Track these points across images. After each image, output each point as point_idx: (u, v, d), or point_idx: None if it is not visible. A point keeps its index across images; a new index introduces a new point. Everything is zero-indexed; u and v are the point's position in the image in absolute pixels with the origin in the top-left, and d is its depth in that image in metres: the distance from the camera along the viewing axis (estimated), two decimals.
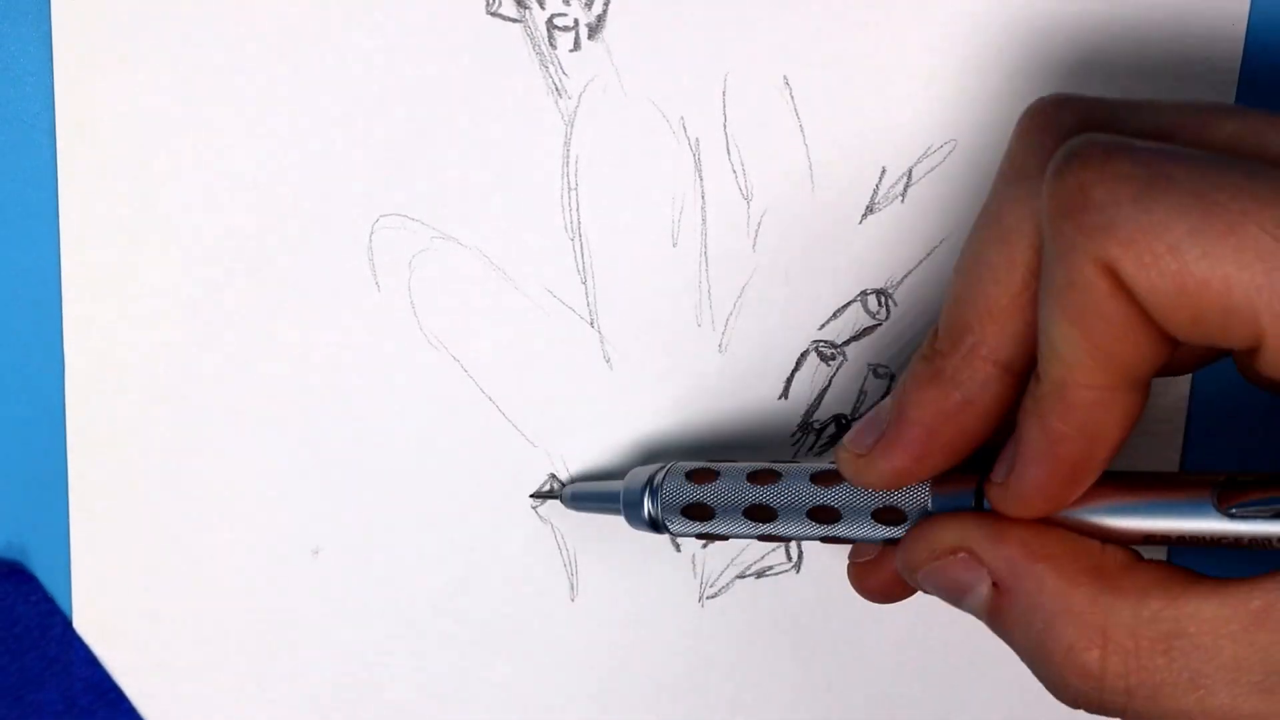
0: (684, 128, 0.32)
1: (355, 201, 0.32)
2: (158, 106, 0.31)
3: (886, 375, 0.34)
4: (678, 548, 0.35)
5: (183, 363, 0.32)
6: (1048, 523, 0.25)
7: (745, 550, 0.35)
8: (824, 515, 0.28)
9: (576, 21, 0.31)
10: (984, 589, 0.25)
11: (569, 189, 0.32)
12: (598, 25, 0.31)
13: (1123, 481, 0.25)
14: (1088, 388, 0.23)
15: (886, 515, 0.28)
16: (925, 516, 0.27)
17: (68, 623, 0.33)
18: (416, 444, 0.33)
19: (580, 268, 0.33)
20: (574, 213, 0.32)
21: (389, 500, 0.33)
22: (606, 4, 0.31)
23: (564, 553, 0.34)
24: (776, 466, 0.29)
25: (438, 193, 0.32)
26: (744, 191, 0.32)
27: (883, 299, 0.33)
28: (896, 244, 0.33)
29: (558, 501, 0.34)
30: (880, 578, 0.29)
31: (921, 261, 0.33)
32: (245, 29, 0.30)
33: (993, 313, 0.24)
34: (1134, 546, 0.25)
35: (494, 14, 0.31)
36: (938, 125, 0.32)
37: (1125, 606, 0.24)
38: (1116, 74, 0.32)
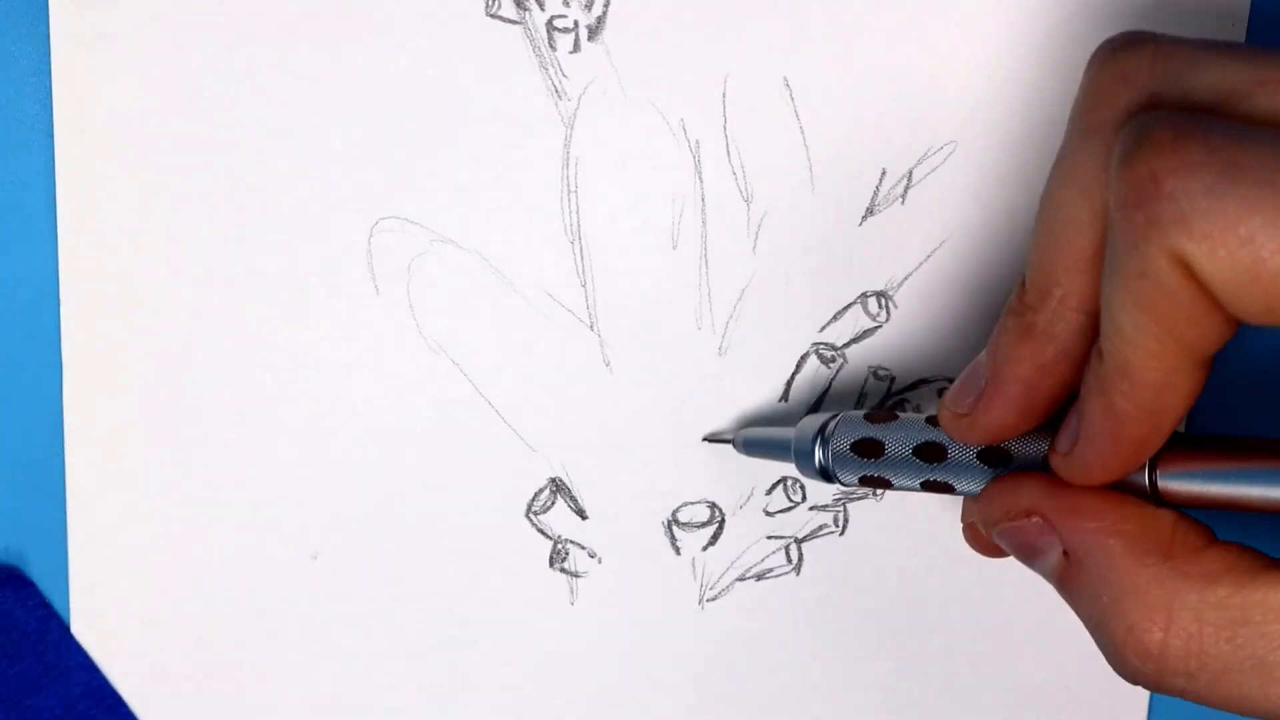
0: (684, 129, 0.32)
1: (354, 204, 0.32)
2: (156, 107, 0.31)
3: (887, 378, 0.34)
4: (678, 551, 0.34)
5: (181, 366, 0.32)
6: (1121, 492, 0.25)
7: (745, 553, 0.35)
8: (994, 459, 0.28)
9: (576, 23, 0.31)
10: (1055, 555, 0.25)
11: (568, 191, 0.32)
12: (597, 27, 0.31)
13: (1191, 446, 0.25)
14: (1153, 369, 0.23)
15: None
16: (1000, 475, 0.27)
17: (65, 628, 0.33)
18: (416, 448, 0.33)
19: (580, 270, 0.32)
20: (573, 215, 0.32)
21: (388, 504, 0.33)
22: (606, 5, 0.31)
23: (563, 556, 0.34)
24: None
25: (437, 195, 0.32)
26: (744, 193, 0.32)
27: (883, 301, 0.33)
28: (897, 246, 0.33)
29: (555, 512, 0.33)
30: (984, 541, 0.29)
31: (922, 264, 0.33)
32: (244, 30, 0.30)
33: (1079, 264, 0.24)
34: (1209, 524, 0.25)
35: (493, 16, 0.31)
36: (938, 127, 0.32)
37: (1192, 590, 0.23)
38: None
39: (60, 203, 0.31)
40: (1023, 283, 0.26)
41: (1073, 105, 0.25)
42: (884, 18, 0.32)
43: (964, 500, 0.31)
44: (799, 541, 0.35)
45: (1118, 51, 0.24)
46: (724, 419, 0.34)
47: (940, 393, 0.34)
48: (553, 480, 0.34)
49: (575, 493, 0.34)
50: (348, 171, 0.31)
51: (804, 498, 0.35)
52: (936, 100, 0.32)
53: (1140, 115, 0.22)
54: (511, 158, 0.32)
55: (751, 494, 0.34)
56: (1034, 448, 0.27)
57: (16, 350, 0.32)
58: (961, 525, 0.30)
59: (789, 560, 0.35)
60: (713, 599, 0.35)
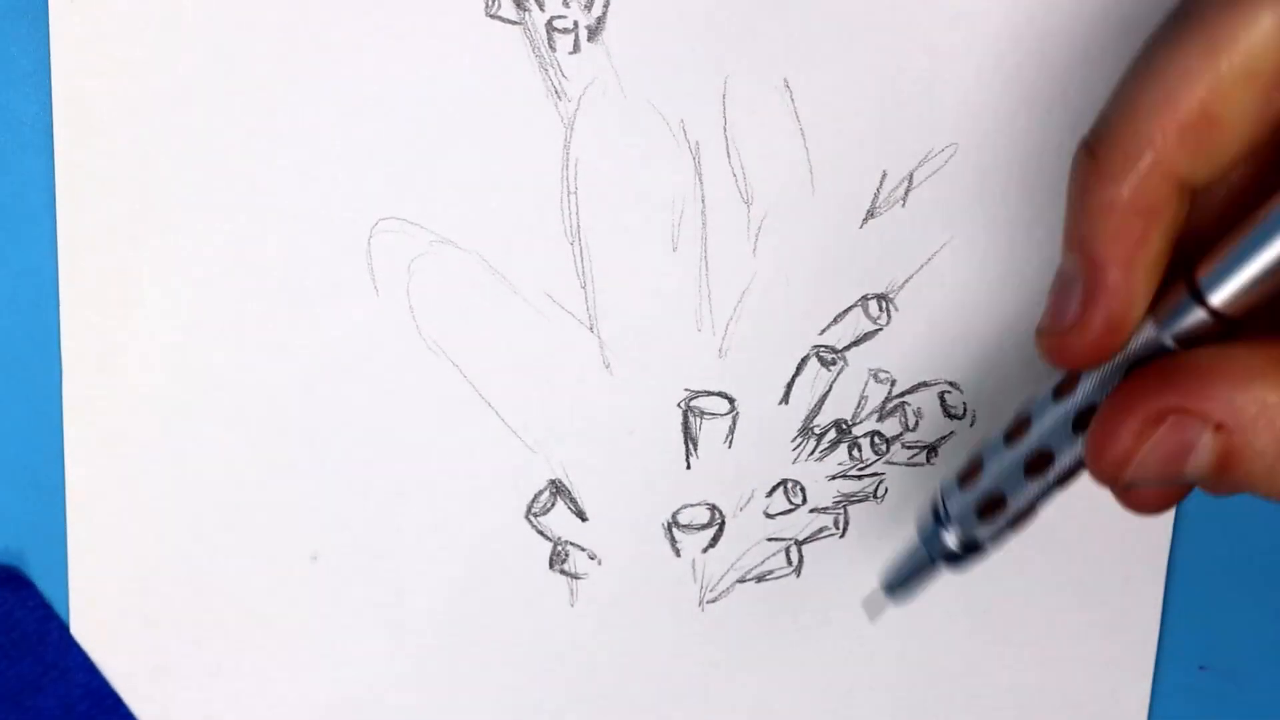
0: (684, 131, 0.32)
1: (354, 205, 0.31)
2: (156, 108, 0.31)
3: (887, 380, 0.34)
4: (678, 553, 0.34)
5: (180, 367, 0.32)
6: (1234, 345, 0.24)
7: (745, 555, 0.35)
8: (1082, 422, 0.26)
9: (576, 24, 0.31)
10: (1208, 440, 0.23)
11: (568, 192, 0.32)
12: (597, 27, 0.31)
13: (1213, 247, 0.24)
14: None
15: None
16: (1091, 406, 0.25)
17: (65, 628, 0.33)
18: (415, 449, 0.33)
19: (580, 272, 0.32)
20: (573, 216, 0.32)
21: (388, 505, 0.33)
22: (606, 6, 0.31)
23: (564, 557, 0.34)
24: (1021, 415, 0.28)
25: (437, 196, 0.32)
26: (744, 195, 0.32)
27: (883, 304, 0.33)
28: (897, 248, 0.33)
29: (555, 514, 0.33)
30: (1149, 490, 0.27)
31: (922, 266, 0.33)
32: (244, 31, 0.30)
33: (1180, 125, 0.23)
34: None
35: (493, 16, 0.31)
36: (939, 129, 0.32)
37: None
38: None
39: (60, 203, 0.31)
40: (1090, 149, 0.24)
41: None
42: (884, 18, 0.32)
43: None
44: (799, 543, 0.35)
45: None
46: (723, 419, 0.34)
47: (941, 396, 0.34)
48: (553, 482, 0.34)
49: (575, 494, 0.34)
50: (347, 172, 0.31)
51: (804, 500, 0.35)
52: (937, 102, 0.32)
53: None
54: (511, 159, 0.32)
55: (752, 496, 0.34)
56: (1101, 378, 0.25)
57: (16, 350, 0.32)
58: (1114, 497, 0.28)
59: (789, 562, 0.35)
60: (713, 601, 0.35)
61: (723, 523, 0.34)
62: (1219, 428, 0.23)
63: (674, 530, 0.34)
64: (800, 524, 0.35)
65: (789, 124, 0.32)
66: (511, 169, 0.32)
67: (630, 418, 0.33)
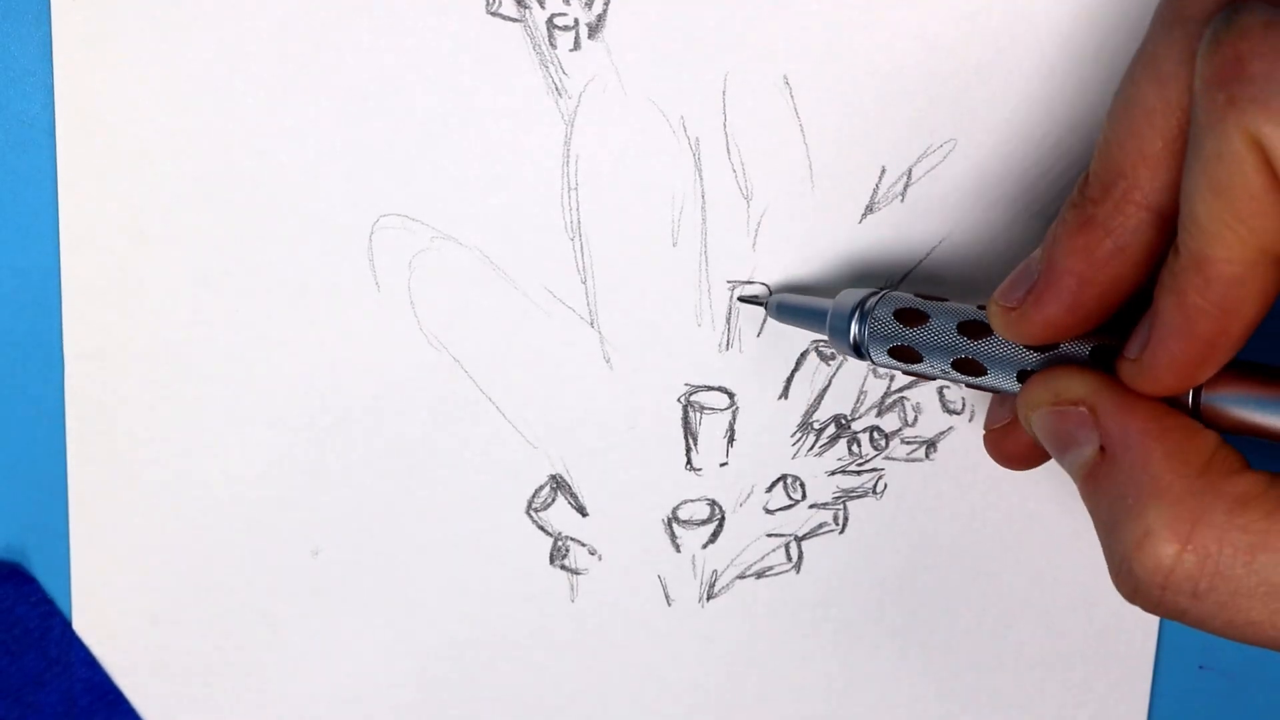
0: (684, 127, 0.32)
1: (355, 201, 0.32)
2: (157, 106, 0.31)
3: (886, 375, 0.34)
4: (678, 549, 0.35)
5: (182, 363, 0.32)
6: (1175, 409, 0.25)
7: (745, 550, 0.35)
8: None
9: (576, 21, 0.31)
10: (1090, 450, 0.25)
11: (569, 188, 0.32)
12: (598, 25, 0.31)
13: (1239, 371, 0.25)
14: (1227, 262, 0.22)
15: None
16: (1054, 362, 0.27)
17: (67, 624, 0.33)
18: (416, 444, 0.33)
19: (580, 267, 0.32)
20: (574, 212, 0.32)
21: (389, 501, 0.33)
22: (606, 3, 0.31)
23: (564, 553, 0.34)
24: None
25: (438, 192, 0.32)
26: (744, 191, 0.32)
27: None
28: (896, 243, 0.33)
29: (555, 509, 0.33)
30: (1017, 443, 0.29)
31: (922, 261, 0.33)
32: (245, 29, 0.30)
33: (1147, 157, 0.24)
34: (1244, 452, 0.25)
35: (494, 14, 0.31)
36: (937, 124, 0.32)
37: (1220, 509, 0.23)
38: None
39: (62, 202, 0.31)
40: (1085, 177, 0.25)
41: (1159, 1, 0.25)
42: (884, 16, 0.32)
43: (991, 405, 0.30)
44: (799, 539, 0.35)
45: None
46: (723, 414, 0.34)
47: (940, 391, 0.34)
48: (553, 477, 0.34)
49: (575, 489, 0.34)
50: (349, 169, 0.31)
51: (803, 495, 0.35)
52: (936, 98, 0.32)
53: (1234, 2, 0.22)
54: (512, 155, 0.32)
55: (751, 491, 0.34)
56: (1080, 350, 0.27)
57: (19, 346, 0.32)
58: (983, 433, 0.30)
59: (789, 558, 0.35)
60: (713, 596, 0.35)
61: (723, 518, 0.34)
62: (1102, 449, 0.25)
63: (674, 526, 0.34)
64: (800, 519, 0.35)
65: (788, 120, 0.32)
66: (512, 165, 0.32)
67: (630, 413, 0.33)
